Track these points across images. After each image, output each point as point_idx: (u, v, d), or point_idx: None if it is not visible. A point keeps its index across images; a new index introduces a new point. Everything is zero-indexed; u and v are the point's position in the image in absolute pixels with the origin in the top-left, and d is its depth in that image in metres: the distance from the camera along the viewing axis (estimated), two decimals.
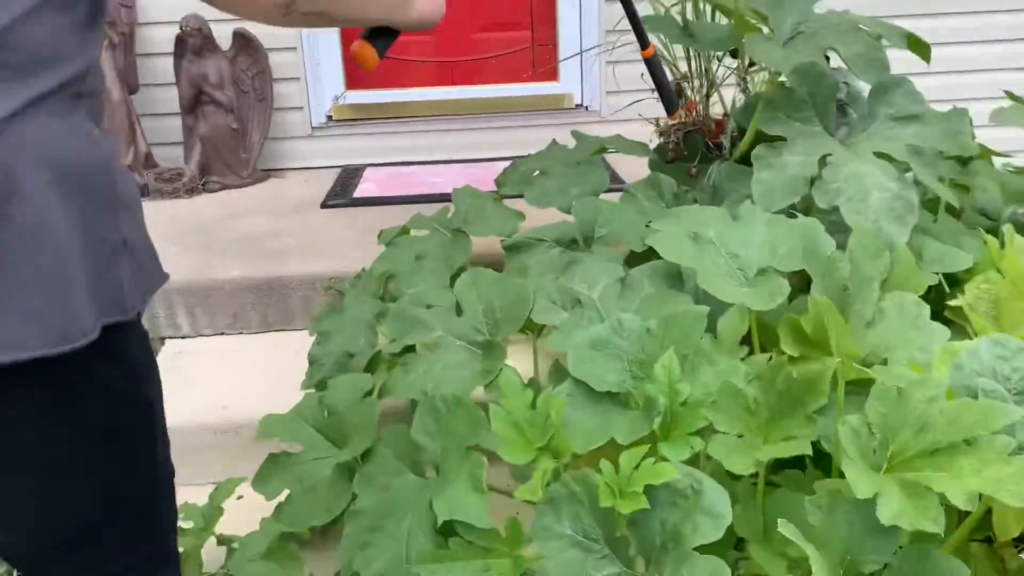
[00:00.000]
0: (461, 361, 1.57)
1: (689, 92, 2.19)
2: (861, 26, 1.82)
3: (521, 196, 2.12)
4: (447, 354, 1.59)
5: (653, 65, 1.87)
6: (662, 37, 2.24)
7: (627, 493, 1.13)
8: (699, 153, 2.10)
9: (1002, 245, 1.49)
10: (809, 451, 1.07)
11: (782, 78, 1.99)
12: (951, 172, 1.88)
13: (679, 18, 2.11)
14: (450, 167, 3.22)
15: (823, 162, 1.68)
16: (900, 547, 1.02)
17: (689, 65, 2.22)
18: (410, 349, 1.64)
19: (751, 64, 2.26)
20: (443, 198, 2.90)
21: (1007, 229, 1.43)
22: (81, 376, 0.76)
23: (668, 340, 1.34)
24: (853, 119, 1.88)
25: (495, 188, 2.26)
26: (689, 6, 2.16)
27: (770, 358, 1.30)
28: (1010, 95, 1.84)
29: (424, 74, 3.30)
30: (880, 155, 1.71)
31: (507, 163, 3.23)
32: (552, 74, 3.29)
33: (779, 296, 1.42)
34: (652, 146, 2.24)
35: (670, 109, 1.88)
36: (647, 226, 1.90)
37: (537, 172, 2.10)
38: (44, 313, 0.67)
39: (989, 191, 1.95)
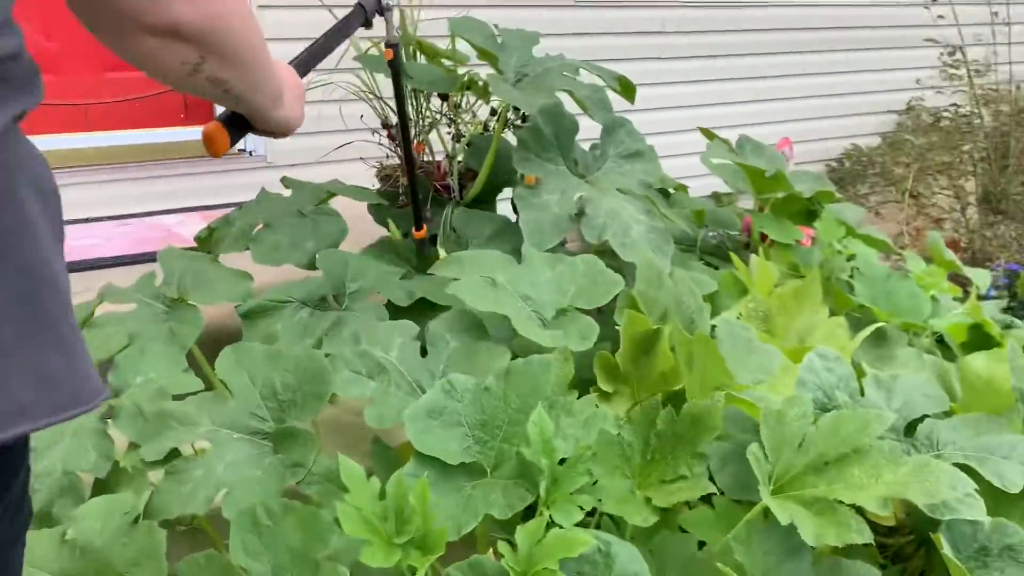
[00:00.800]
0: (249, 457, 1.30)
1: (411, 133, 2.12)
2: (581, 68, 1.91)
3: (238, 252, 1.85)
4: (226, 452, 1.31)
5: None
6: (371, 75, 2.15)
7: (538, 573, 1.01)
8: (429, 195, 2.04)
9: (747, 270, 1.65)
10: (712, 489, 1.06)
11: (513, 119, 2.02)
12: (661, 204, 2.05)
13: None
14: (99, 226, 2.73)
15: (579, 200, 1.72)
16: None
17: (401, 108, 2.14)
18: (174, 453, 1.33)
19: (457, 106, 2.26)
20: (103, 263, 2.46)
21: (761, 254, 1.59)
22: (11, 473, 0.58)
23: (512, 395, 1.25)
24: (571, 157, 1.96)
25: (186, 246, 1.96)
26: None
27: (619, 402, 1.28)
28: (704, 131, 2.07)
29: (48, 119, 2.77)
30: (621, 191, 1.81)
31: (172, 216, 2.86)
32: (209, 117, 2.98)
33: (591, 335, 1.42)
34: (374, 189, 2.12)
35: (419, 226, 1.84)
36: (402, 279, 1.79)
37: (260, 226, 1.86)
38: (56, 369, 0.53)
39: (682, 220, 2.16)
